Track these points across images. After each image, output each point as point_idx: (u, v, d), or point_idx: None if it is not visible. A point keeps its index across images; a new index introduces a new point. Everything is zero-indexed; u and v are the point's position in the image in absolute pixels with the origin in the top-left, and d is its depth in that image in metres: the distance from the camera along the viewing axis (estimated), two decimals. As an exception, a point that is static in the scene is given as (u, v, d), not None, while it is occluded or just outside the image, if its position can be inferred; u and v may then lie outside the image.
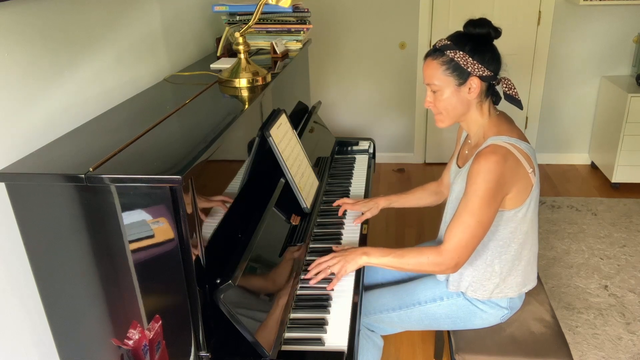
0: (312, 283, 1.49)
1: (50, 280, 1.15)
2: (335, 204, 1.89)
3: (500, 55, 1.45)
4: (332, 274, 1.51)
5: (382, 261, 1.49)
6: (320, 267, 1.51)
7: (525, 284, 1.58)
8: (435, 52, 1.46)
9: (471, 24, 1.44)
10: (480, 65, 1.41)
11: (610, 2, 3.36)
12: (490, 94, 1.50)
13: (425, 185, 1.91)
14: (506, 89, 1.46)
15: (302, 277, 1.53)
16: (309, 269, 1.53)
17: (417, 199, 1.91)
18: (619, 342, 2.23)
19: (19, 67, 1.20)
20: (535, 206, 1.49)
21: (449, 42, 1.44)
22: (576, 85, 3.76)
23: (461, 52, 1.41)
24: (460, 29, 1.48)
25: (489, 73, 1.42)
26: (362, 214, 1.85)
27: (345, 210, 1.89)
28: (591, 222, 3.15)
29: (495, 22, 1.45)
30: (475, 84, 1.43)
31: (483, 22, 1.43)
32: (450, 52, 1.42)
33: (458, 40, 1.43)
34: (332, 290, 1.47)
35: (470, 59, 1.41)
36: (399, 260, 1.47)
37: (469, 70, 1.41)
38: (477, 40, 1.42)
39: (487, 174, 1.36)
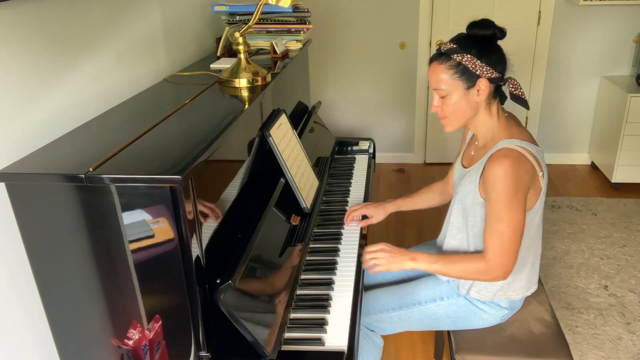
0: (364, 266, 1.54)
1: (50, 280, 1.15)
2: (346, 217, 1.84)
3: (506, 56, 1.44)
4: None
5: (428, 267, 1.50)
6: (368, 255, 1.54)
7: (529, 287, 1.58)
8: (441, 56, 1.43)
9: (475, 25, 1.42)
10: (488, 67, 1.39)
11: (610, 2, 3.36)
12: (498, 94, 1.48)
13: (431, 186, 1.90)
14: (512, 89, 1.44)
15: (302, 277, 1.53)
16: (366, 250, 1.56)
17: (425, 200, 1.89)
18: (619, 342, 2.23)
19: (19, 67, 1.20)
20: (542, 210, 1.49)
21: (454, 46, 1.41)
22: (576, 85, 3.76)
23: (468, 55, 1.39)
24: (461, 29, 1.47)
25: (496, 74, 1.40)
26: (366, 217, 1.84)
27: (345, 211, 1.88)
28: (591, 222, 3.15)
29: (495, 22, 1.44)
30: (484, 86, 1.41)
31: (487, 23, 1.41)
32: (458, 56, 1.40)
33: (463, 42, 1.41)
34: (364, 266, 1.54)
35: (478, 61, 1.39)
36: (445, 267, 1.47)
37: (477, 72, 1.39)
38: (483, 42, 1.41)
39: (506, 178, 1.34)
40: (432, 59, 1.46)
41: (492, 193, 1.37)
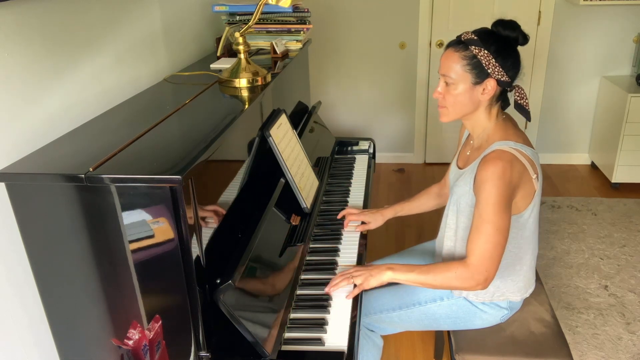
0: (331, 291, 1.44)
1: (50, 280, 1.15)
2: (340, 216, 1.84)
3: (521, 63, 1.42)
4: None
5: (407, 277, 1.43)
6: (343, 276, 1.46)
7: (527, 289, 1.58)
8: (459, 44, 1.41)
9: (501, 24, 1.40)
10: (500, 69, 1.38)
11: (610, 2, 3.36)
12: (501, 99, 1.48)
13: (428, 189, 1.89)
14: (518, 98, 1.43)
15: (302, 276, 1.53)
16: (332, 279, 1.47)
17: (422, 204, 1.88)
18: (619, 342, 2.23)
19: (19, 67, 1.20)
20: (537, 211, 1.48)
21: (475, 38, 1.39)
22: (576, 85, 3.77)
23: (485, 51, 1.37)
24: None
25: (507, 78, 1.39)
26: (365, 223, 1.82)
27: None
28: (591, 222, 3.15)
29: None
30: (490, 87, 1.40)
31: (514, 25, 1.40)
32: (475, 49, 1.38)
33: (485, 37, 1.39)
34: (347, 297, 1.43)
35: (493, 60, 1.37)
36: (424, 276, 1.41)
37: (488, 71, 1.38)
38: (504, 43, 1.39)
39: (497, 180, 1.33)
40: (449, 45, 1.44)
41: (482, 194, 1.36)
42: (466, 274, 1.37)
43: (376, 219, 1.83)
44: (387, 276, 1.44)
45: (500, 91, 1.44)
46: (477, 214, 1.37)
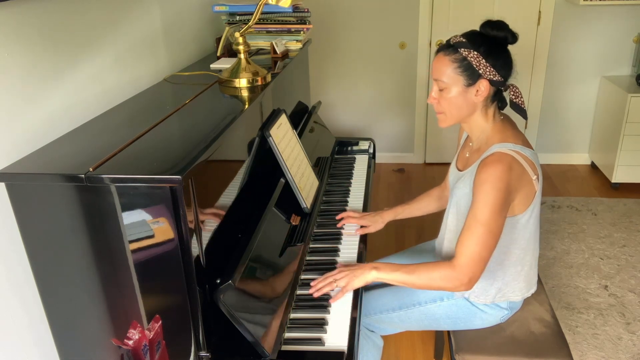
0: (315, 295, 1.43)
1: (50, 280, 1.15)
2: (339, 217, 1.84)
3: (513, 62, 1.42)
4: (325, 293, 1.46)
5: (392, 276, 1.42)
6: (326, 280, 1.45)
7: (528, 289, 1.58)
8: (449, 48, 1.41)
9: (489, 25, 1.40)
10: (492, 69, 1.38)
11: (610, 2, 3.36)
12: (497, 99, 1.47)
13: (429, 192, 1.89)
14: (513, 97, 1.43)
15: (302, 277, 1.53)
16: (312, 284, 1.46)
17: (423, 206, 1.88)
18: (619, 342, 2.23)
19: (19, 67, 1.20)
20: (537, 212, 1.48)
21: (463, 40, 1.40)
22: (576, 85, 3.77)
23: (475, 52, 1.37)
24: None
25: (499, 78, 1.39)
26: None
27: (345, 211, 1.88)
28: (591, 222, 3.15)
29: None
30: (483, 87, 1.40)
31: (501, 25, 1.40)
32: (464, 51, 1.38)
33: (473, 39, 1.39)
34: (331, 301, 1.42)
35: (483, 60, 1.37)
36: (409, 276, 1.40)
37: (480, 72, 1.38)
38: (493, 43, 1.39)
39: (495, 183, 1.33)
40: (440, 49, 1.44)
41: (479, 195, 1.36)
42: (451, 274, 1.37)
43: (376, 223, 1.82)
44: (372, 276, 1.43)
45: (495, 91, 1.44)
46: (472, 215, 1.37)
